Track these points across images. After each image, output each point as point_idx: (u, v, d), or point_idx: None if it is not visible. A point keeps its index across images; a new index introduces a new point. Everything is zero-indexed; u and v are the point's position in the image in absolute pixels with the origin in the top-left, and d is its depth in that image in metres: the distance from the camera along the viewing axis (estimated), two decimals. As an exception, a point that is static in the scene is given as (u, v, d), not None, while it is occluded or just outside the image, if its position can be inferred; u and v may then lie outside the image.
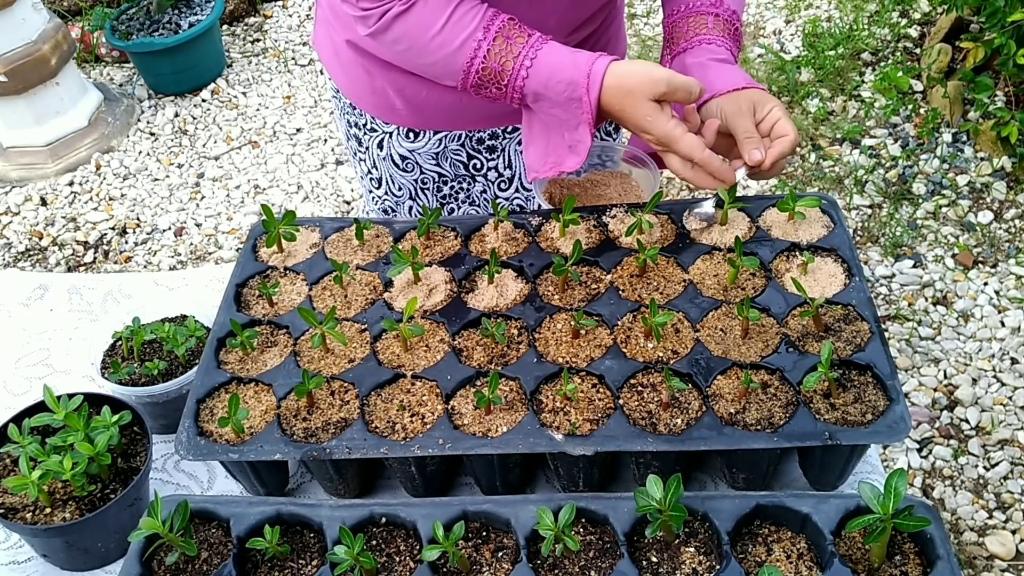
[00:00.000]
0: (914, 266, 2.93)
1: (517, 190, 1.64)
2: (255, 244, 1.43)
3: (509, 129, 1.55)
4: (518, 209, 1.63)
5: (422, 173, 1.59)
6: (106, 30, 3.90)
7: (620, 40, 1.60)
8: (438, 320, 1.26)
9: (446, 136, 1.53)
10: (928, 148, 3.29)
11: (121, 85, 4.11)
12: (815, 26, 3.90)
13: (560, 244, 1.35)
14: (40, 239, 3.41)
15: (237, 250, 3.29)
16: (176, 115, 3.92)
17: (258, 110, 3.93)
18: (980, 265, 2.91)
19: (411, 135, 1.54)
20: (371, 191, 1.68)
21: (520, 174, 1.61)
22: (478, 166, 1.59)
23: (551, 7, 1.33)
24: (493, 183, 1.62)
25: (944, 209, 3.09)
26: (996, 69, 3.13)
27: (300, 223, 1.43)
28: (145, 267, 3.28)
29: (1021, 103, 3.21)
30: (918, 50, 3.70)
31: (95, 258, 3.33)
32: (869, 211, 3.14)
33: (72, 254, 3.36)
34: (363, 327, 1.27)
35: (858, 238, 3.06)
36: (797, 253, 1.29)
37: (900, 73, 3.32)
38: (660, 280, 1.28)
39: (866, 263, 2.96)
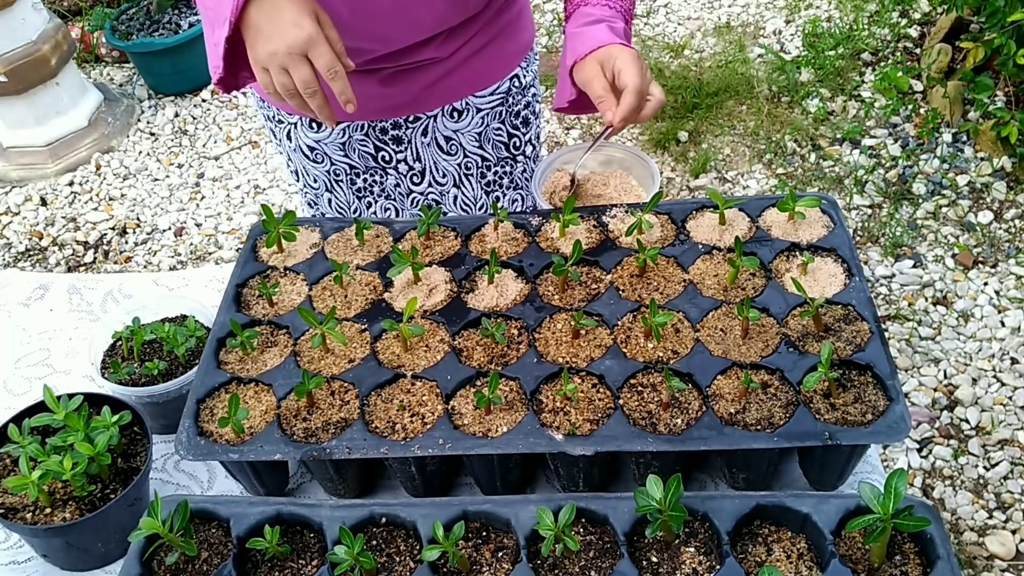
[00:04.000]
0: (914, 266, 2.92)
1: (430, 184, 1.64)
2: (255, 244, 1.43)
3: (411, 119, 1.54)
4: (434, 204, 1.64)
5: (332, 164, 1.61)
6: (106, 30, 3.90)
7: (516, 35, 1.54)
8: (438, 320, 1.26)
9: (349, 126, 1.54)
10: (928, 148, 3.29)
11: (121, 85, 4.11)
12: (815, 26, 3.89)
13: (560, 244, 1.35)
14: (40, 239, 3.41)
15: (237, 250, 3.29)
16: (176, 115, 3.92)
17: (258, 110, 3.92)
18: (980, 265, 2.91)
19: (314, 125, 1.56)
20: (293, 184, 1.69)
21: (431, 168, 1.61)
22: (387, 158, 1.59)
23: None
24: (405, 176, 1.63)
25: (944, 209, 3.09)
26: (996, 69, 3.13)
27: (300, 223, 1.43)
28: (145, 267, 3.28)
29: (1021, 103, 3.21)
30: (918, 50, 3.70)
31: (95, 258, 3.33)
32: (869, 211, 3.13)
33: (72, 254, 3.35)
34: (363, 327, 1.27)
35: (858, 238, 3.06)
36: (797, 253, 1.29)
37: (900, 73, 3.32)
38: (660, 280, 1.28)
39: (866, 263, 2.96)
